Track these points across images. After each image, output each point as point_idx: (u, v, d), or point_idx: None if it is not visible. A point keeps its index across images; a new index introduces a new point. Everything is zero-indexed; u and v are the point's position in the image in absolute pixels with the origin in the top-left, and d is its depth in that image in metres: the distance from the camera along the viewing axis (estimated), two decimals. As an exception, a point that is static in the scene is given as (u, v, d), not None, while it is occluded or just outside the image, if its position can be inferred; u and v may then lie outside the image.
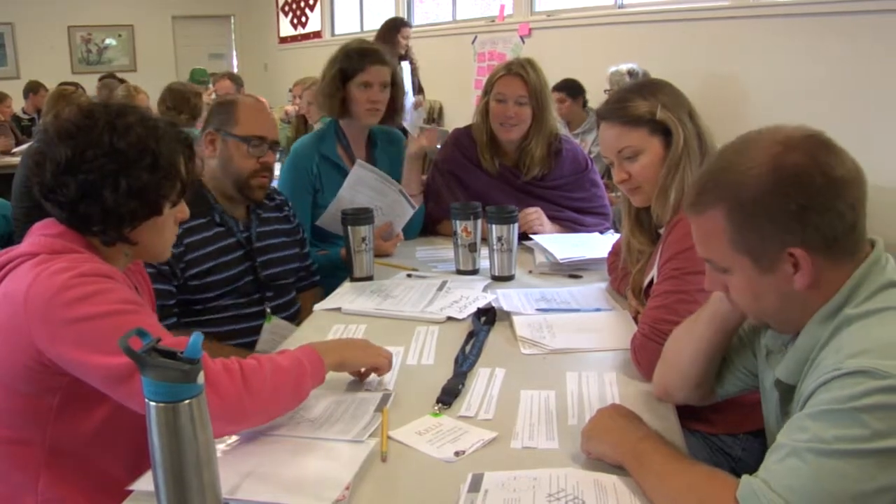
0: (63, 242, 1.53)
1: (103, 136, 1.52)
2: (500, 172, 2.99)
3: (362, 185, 2.78)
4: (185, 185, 1.65)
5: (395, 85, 2.94)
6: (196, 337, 1.12)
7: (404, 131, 5.01)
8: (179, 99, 4.54)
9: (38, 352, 1.42)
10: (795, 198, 1.18)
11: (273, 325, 2.45)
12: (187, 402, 1.11)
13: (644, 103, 1.91)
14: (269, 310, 2.46)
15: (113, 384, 1.41)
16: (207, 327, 2.29)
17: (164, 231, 1.66)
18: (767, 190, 1.19)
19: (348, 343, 1.78)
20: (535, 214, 2.89)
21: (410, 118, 6.17)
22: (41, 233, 1.56)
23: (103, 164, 1.51)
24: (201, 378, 1.12)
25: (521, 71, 2.87)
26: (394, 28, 6.64)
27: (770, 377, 1.38)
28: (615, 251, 2.41)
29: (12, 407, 1.50)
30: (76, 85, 5.73)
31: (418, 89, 6.68)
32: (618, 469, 1.35)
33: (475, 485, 1.30)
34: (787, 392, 1.29)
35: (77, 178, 1.51)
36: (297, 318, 2.55)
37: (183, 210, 1.69)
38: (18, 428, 1.51)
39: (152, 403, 1.11)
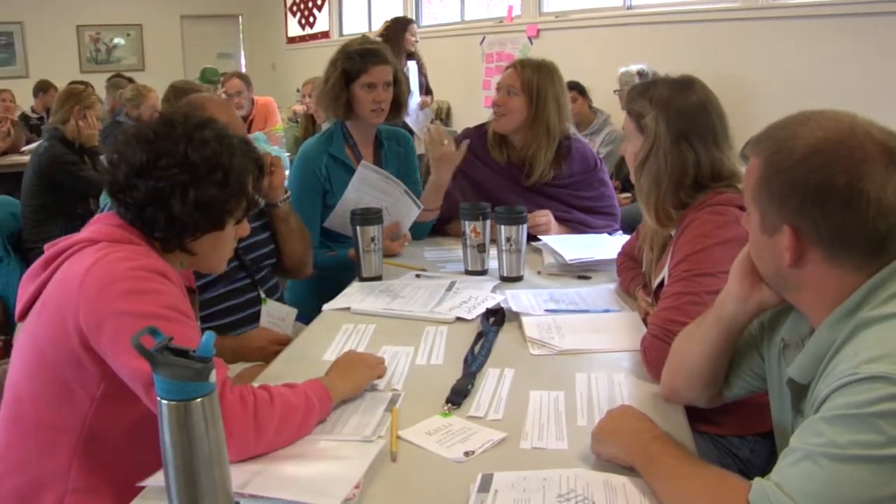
0: (123, 233, 1.57)
1: (179, 146, 1.57)
2: (510, 170, 2.99)
3: (367, 185, 2.78)
4: (250, 204, 1.70)
5: (398, 82, 2.94)
6: (208, 336, 1.12)
7: (409, 129, 5.02)
8: (182, 97, 4.53)
9: (83, 335, 1.45)
10: (807, 182, 1.18)
11: (269, 307, 2.49)
12: (199, 400, 1.12)
13: (643, 104, 1.96)
14: (262, 294, 2.49)
15: (138, 387, 1.44)
16: (207, 322, 2.31)
17: (224, 246, 1.70)
18: (793, 162, 1.20)
19: (349, 366, 1.73)
20: (545, 220, 2.89)
21: (416, 118, 6.17)
22: (104, 222, 1.61)
23: (175, 174, 1.56)
24: (213, 376, 1.13)
25: (518, 64, 2.94)
26: (401, 28, 6.64)
27: (783, 374, 1.37)
28: (624, 252, 2.42)
29: (56, 390, 1.52)
30: (86, 84, 5.74)
31: (426, 89, 6.67)
32: (628, 470, 1.35)
33: (485, 485, 1.31)
34: (799, 391, 1.29)
35: (148, 182, 1.55)
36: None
37: (244, 228, 1.74)
38: (58, 412, 1.53)
39: (164, 401, 1.11)
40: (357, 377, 1.69)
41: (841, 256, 1.20)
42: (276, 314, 2.50)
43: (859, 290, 1.19)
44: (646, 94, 1.97)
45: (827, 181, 1.17)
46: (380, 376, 1.75)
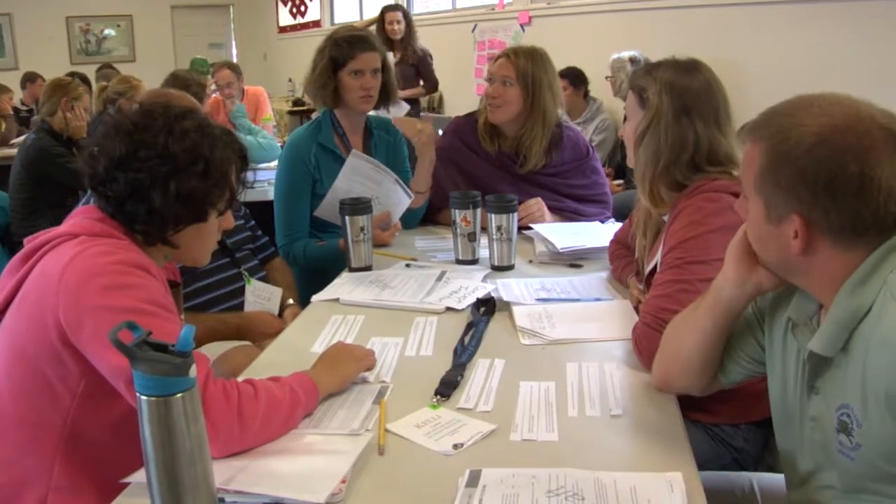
0: (103, 226, 1.55)
1: (159, 137, 1.54)
2: (501, 160, 2.96)
3: (358, 174, 2.76)
4: (233, 195, 1.67)
5: (387, 69, 2.92)
6: (188, 330, 1.10)
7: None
8: (180, 87, 4.50)
9: (63, 331, 1.43)
10: (818, 172, 1.18)
11: (254, 287, 2.53)
12: (179, 395, 1.09)
13: (647, 80, 1.93)
14: (245, 272, 2.54)
15: (119, 383, 1.41)
16: (194, 298, 2.35)
17: (207, 238, 1.68)
18: (801, 152, 1.19)
19: (336, 359, 1.70)
20: (536, 207, 2.87)
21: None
22: (84, 215, 1.59)
23: (155, 165, 1.53)
24: (193, 371, 1.11)
25: (511, 53, 2.90)
26: (380, 17, 6.66)
27: (792, 354, 1.36)
28: (617, 239, 2.40)
29: (36, 387, 1.50)
30: (73, 75, 5.69)
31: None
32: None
33: (473, 480, 1.29)
34: (818, 366, 1.27)
35: (127, 174, 1.53)
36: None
37: (228, 220, 1.71)
38: (39, 410, 1.50)
39: (144, 397, 1.09)
40: (344, 370, 1.66)
41: (851, 242, 1.20)
42: (261, 294, 2.52)
43: (872, 255, 1.19)
44: (650, 73, 1.95)
45: (839, 170, 1.17)
46: (368, 369, 1.72)
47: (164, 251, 1.64)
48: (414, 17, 7.18)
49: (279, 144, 5.41)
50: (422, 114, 7.03)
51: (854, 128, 1.18)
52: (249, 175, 1.75)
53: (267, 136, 5.27)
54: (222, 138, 1.63)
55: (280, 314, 2.60)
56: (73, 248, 1.47)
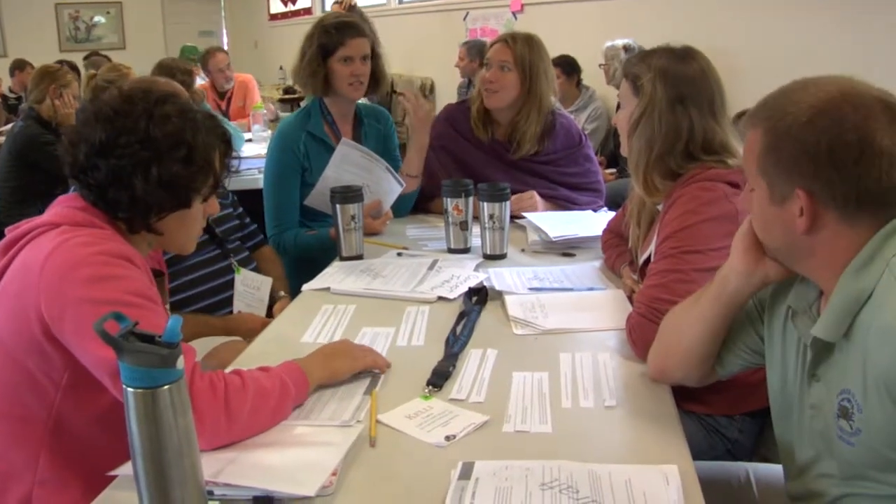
0: (86, 216, 1.52)
1: (140, 122, 1.51)
2: (494, 147, 2.95)
3: (348, 162, 2.74)
4: (217, 181, 1.64)
5: (376, 56, 2.90)
6: (174, 320, 1.08)
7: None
8: (167, 76, 4.47)
9: (45, 324, 1.40)
10: (818, 142, 1.18)
11: (243, 276, 2.53)
12: (166, 387, 1.07)
13: (642, 67, 1.91)
14: (235, 262, 2.54)
15: (104, 376, 1.39)
16: (181, 292, 2.35)
17: (192, 224, 1.65)
18: (800, 125, 1.19)
19: (333, 352, 1.67)
20: (530, 202, 2.85)
21: None
22: (66, 204, 1.56)
23: (136, 152, 1.50)
24: (180, 363, 1.08)
25: (508, 38, 2.88)
26: None
27: (792, 343, 1.36)
28: (610, 228, 2.38)
29: (18, 380, 1.47)
30: (62, 63, 5.64)
31: None
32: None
33: (466, 472, 1.27)
34: (821, 352, 1.26)
35: (109, 162, 1.50)
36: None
37: (213, 205, 1.68)
38: (22, 403, 1.48)
39: (130, 389, 1.07)
40: (337, 365, 1.63)
41: (856, 215, 1.20)
42: (250, 283, 2.52)
43: (874, 237, 1.19)
44: (645, 60, 1.94)
45: (837, 139, 1.16)
46: (366, 368, 1.66)
47: (148, 239, 1.61)
48: (405, 5, 7.14)
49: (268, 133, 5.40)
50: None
51: (850, 99, 1.18)
52: (234, 162, 1.72)
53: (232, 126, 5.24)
54: (205, 123, 1.59)
55: (270, 305, 2.58)
56: (55, 238, 1.45)
